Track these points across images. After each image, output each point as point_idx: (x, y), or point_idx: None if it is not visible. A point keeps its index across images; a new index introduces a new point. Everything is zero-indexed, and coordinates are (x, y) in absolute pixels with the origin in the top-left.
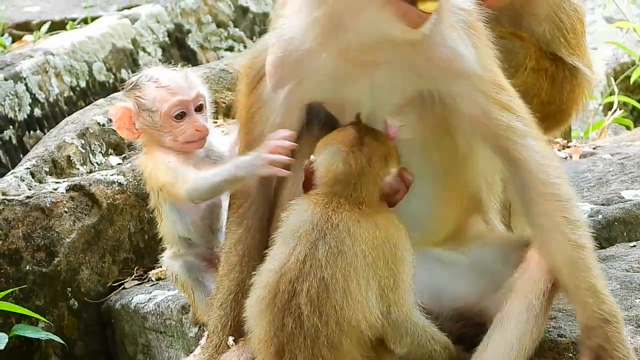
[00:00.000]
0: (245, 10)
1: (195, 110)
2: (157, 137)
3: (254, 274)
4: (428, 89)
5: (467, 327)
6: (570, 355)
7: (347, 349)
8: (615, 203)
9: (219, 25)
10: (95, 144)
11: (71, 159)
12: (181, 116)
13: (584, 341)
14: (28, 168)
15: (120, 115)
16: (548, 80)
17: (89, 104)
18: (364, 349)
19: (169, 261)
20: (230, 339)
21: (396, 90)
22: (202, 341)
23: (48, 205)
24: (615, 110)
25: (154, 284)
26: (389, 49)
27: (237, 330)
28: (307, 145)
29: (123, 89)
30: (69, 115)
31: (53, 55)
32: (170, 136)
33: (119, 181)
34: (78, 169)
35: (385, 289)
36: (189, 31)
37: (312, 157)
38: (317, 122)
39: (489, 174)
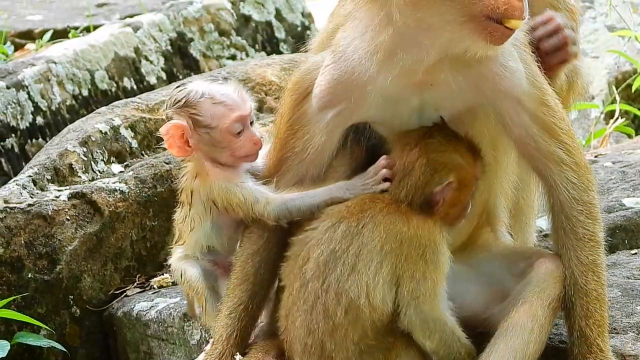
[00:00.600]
0: (247, 19)
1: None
2: (213, 154)
3: (267, 287)
4: (477, 105)
5: (473, 337)
6: None
7: (341, 322)
8: (617, 211)
9: (222, 33)
10: (97, 152)
11: (73, 166)
12: (240, 132)
13: None
14: (30, 176)
15: (172, 133)
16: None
17: (91, 112)
18: (363, 330)
19: (181, 264)
20: (238, 356)
21: (445, 108)
22: (207, 348)
23: (50, 213)
24: (617, 119)
25: (155, 292)
26: (451, 68)
27: (244, 341)
28: (347, 163)
29: (169, 106)
30: (71, 123)
31: (55, 63)
32: (229, 152)
33: (120, 189)
34: (80, 177)
35: (409, 280)
36: (191, 39)
37: None
38: (363, 140)
39: (509, 189)
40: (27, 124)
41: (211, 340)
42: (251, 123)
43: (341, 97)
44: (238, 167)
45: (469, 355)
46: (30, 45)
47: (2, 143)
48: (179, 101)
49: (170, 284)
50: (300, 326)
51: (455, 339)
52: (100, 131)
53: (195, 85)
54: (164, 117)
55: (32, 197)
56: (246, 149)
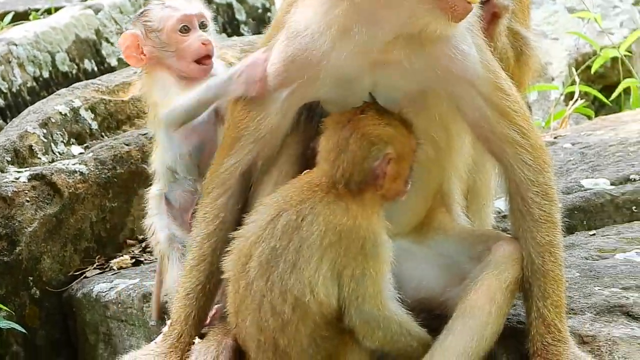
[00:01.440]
0: (208, 1)
1: (200, 28)
2: (165, 60)
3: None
4: (430, 88)
5: (430, 319)
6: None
7: (290, 319)
8: (575, 192)
9: None
10: (57, 134)
11: (33, 148)
12: (186, 30)
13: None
14: None
15: (128, 43)
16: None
17: (51, 94)
18: (314, 324)
19: (154, 216)
20: (197, 339)
21: (398, 89)
22: (165, 329)
23: (10, 195)
24: (576, 100)
25: (115, 273)
26: (405, 47)
27: (201, 322)
28: (301, 141)
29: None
30: (31, 105)
31: (16, 45)
32: (178, 55)
33: (80, 170)
34: (40, 158)
35: (349, 279)
36: None
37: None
38: (316, 119)
39: (463, 170)
40: None
41: (169, 322)
42: (203, 27)
43: (295, 75)
44: (195, 81)
45: (423, 345)
46: None
47: None
48: (138, 14)
49: (130, 265)
50: (251, 324)
51: (403, 332)
52: (60, 113)
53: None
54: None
55: None
56: (194, 48)
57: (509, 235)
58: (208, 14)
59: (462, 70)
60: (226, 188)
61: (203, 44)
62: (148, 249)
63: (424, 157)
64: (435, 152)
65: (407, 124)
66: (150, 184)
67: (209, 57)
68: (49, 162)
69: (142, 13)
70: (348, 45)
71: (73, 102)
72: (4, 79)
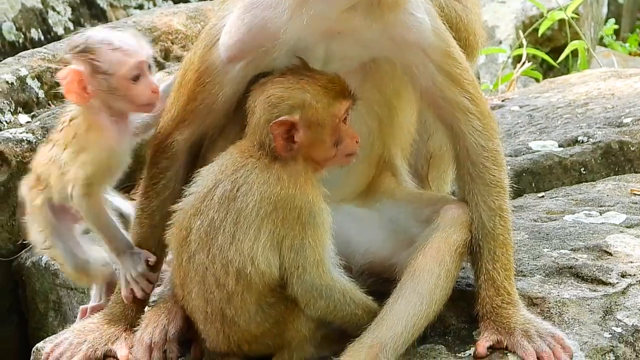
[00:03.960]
0: None
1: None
2: (111, 102)
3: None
4: (383, 56)
5: (379, 284)
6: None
7: (235, 290)
8: (524, 154)
9: None
10: (4, 102)
11: None
12: (137, 78)
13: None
14: None
15: (70, 79)
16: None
17: None
18: (258, 293)
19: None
20: (147, 308)
21: (349, 58)
22: (113, 297)
23: None
24: (524, 63)
25: None
26: (360, 16)
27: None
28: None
29: (67, 51)
30: None
31: None
32: (127, 99)
33: (28, 139)
34: None
35: (288, 249)
36: None
37: None
38: None
39: (406, 143)
40: None
41: (116, 289)
42: (150, 70)
43: (251, 47)
44: (129, 121)
45: (368, 312)
46: None
47: None
48: (78, 46)
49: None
50: (197, 297)
51: (347, 301)
52: (7, 82)
53: (94, 32)
54: (63, 63)
55: None
56: (144, 96)
57: (456, 199)
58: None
59: (416, 38)
60: (175, 159)
61: (153, 92)
62: None
63: (365, 129)
64: (375, 122)
65: (331, 89)
66: None
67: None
68: None
69: (86, 49)
70: (305, 14)
71: (19, 70)
72: None
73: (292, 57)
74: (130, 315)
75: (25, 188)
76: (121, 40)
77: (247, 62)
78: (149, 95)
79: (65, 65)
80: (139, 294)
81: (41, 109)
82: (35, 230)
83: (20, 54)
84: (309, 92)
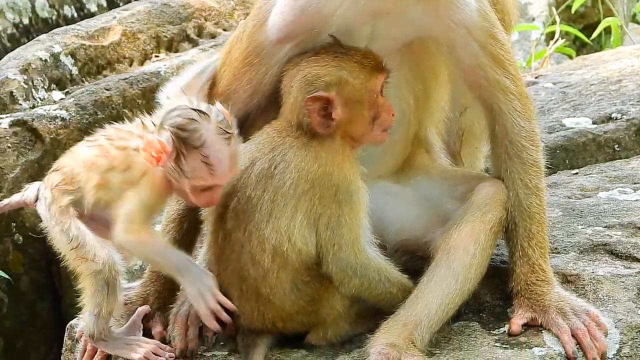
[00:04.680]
0: None
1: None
2: (173, 182)
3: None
4: (428, 35)
5: (413, 261)
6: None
7: (270, 267)
8: (557, 131)
9: None
10: (37, 80)
11: (14, 94)
12: (205, 190)
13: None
14: None
15: (154, 147)
16: None
17: (31, 40)
18: (294, 271)
19: (81, 226)
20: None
21: (394, 38)
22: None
23: None
24: (557, 40)
25: None
26: None
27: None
28: None
29: (171, 122)
30: (11, 52)
31: None
32: (184, 194)
33: (61, 116)
34: (21, 104)
35: (324, 227)
36: None
37: None
38: None
39: (440, 119)
40: None
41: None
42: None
43: (304, 29)
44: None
45: (403, 291)
46: None
47: None
48: (181, 131)
49: None
50: (232, 274)
51: (382, 279)
52: (41, 59)
53: (204, 129)
54: (159, 120)
55: None
56: (199, 202)
57: (491, 176)
58: None
59: (462, 18)
60: None
61: (208, 203)
62: None
63: (403, 106)
64: (414, 101)
65: (368, 65)
66: None
67: None
68: (30, 108)
69: (184, 141)
70: None
71: (53, 47)
72: None
73: (339, 37)
74: (164, 293)
75: (49, 184)
76: (218, 158)
77: (298, 43)
78: (203, 202)
79: (160, 128)
80: (224, 317)
81: (75, 86)
82: (58, 231)
83: (53, 31)
84: (345, 69)
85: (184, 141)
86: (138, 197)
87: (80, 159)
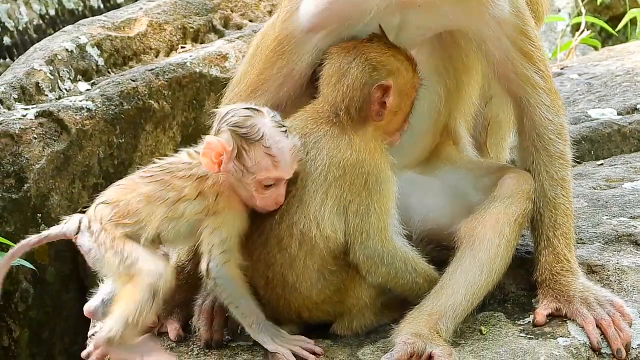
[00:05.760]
0: None
1: None
2: (235, 187)
3: None
4: (458, 27)
5: (438, 251)
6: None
7: (297, 254)
8: (583, 122)
9: None
10: (63, 70)
11: (40, 85)
12: (270, 187)
13: (540, 285)
14: None
15: (214, 148)
16: None
17: (58, 31)
18: (321, 259)
19: (140, 250)
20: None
21: (423, 29)
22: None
23: (17, 132)
24: (582, 31)
25: None
26: None
27: None
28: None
29: (227, 121)
30: (38, 42)
31: None
32: (249, 195)
33: (87, 107)
34: (47, 95)
35: (353, 214)
36: None
37: None
38: None
39: (469, 111)
40: None
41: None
42: (285, 184)
43: (338, 17)
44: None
45: (428, 281)
46: None
47: None
48: (239, 128)
49: None
50: (258, 260)
51: (408, 269)
52: (67, 49)
53: (261, 123)
54: (215, 127)
55: None
56: (266, 203)
57: (516, 168)
58: None
59: (493, 12)
60: None
61: (276, 203)
62: None
63: (434, 97)
64: (445, 93)
65: (412, 62)
66: (156, 120)
67: None
68: (56, 98)
69: (244, 136)
70: None
71: (79, 38)
72: (10, 17)
73: (368, 27)
74: (184, 290)
75: (97, 216)
76: (279, 148)
77: (329, 32)
78: (270, 203)
79: (217, 130)
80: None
81: (100, 77)
82: (111, 254)
83: (79, 22)
84: (401, 62)
85: (244, 136)
86: (224, 218)
87: (139, 193)
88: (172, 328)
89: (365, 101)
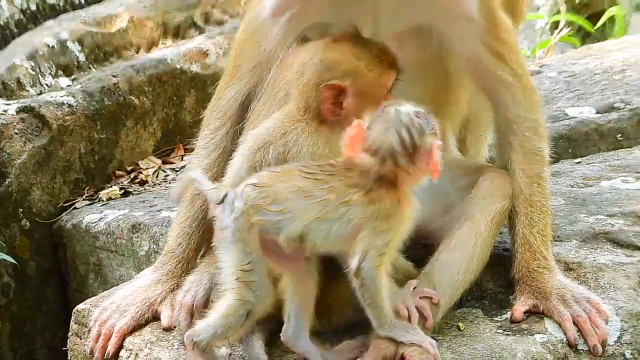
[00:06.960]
0: None
1: None
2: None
3: None
4: (428, 23)
5: (416, 249)
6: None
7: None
8: (561, 120)
9: None
10: (45, 66)
11: (21, 80)
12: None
13: (518, 282)
14: None
15: (357, 133)
16: None
17: (39, 26)
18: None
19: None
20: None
21: (398, 17)
22: (159, 258)
23: None
24: (561, 29)
25: (104, 204)
26: None
27: (195, 255)
28: None
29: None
30: (19, 37)
31: None
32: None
33: (68, 102)
34: (28, 90)
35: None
36: None
37: None
38: None
39: (456, 113)
40: None
41: (163, 252)
42: None
43: (295, 0)
44: None
45: (407, 278)
46: None
47: None
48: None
49: (119, 196)
50: None
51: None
52: (48, 45)
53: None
54: None
55: None
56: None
57: (494, 167)
58: None
59: (460, 9)
60: (227, 119)
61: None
62: (136, 180)
63: (418, 94)
64: (427, 90)
65: (384, 60)
66: (137, 116)
67: None
68: (37, 94)
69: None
70: None
71: (60, 34)
72: None
73: (338, 9)
74: (177, 275)
75: (245, 195)
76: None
77: (292, 15)
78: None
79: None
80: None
81: (82, 72)
82: (239, 249)
83: (60, 16)
84: (363, 60)
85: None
86: (389, 227)
87: (293, 185)
88: (166, 315)
89: (319, 101)
